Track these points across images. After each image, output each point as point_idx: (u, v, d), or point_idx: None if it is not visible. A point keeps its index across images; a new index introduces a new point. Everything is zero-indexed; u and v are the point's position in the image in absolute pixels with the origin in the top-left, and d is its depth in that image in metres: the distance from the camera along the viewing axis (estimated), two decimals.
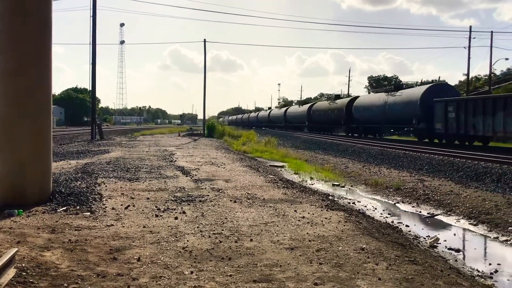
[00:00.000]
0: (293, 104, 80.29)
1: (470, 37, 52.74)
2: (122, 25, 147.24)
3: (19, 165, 7.75)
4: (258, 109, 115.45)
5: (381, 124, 37.05)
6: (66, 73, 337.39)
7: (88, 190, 9.41)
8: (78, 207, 7.75)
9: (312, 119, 54.14)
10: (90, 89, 34.28)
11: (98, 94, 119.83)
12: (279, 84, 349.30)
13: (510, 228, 8.87)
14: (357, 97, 44.59)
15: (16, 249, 4.67)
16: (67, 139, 32.85)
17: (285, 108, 74.80)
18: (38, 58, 7.97)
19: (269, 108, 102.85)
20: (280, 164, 21.73)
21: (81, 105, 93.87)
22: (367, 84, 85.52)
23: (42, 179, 8.13)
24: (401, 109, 32.35)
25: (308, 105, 58.93)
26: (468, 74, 52.09)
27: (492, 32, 53.04)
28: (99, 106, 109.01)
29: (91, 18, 31.45)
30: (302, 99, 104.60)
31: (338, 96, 54.26)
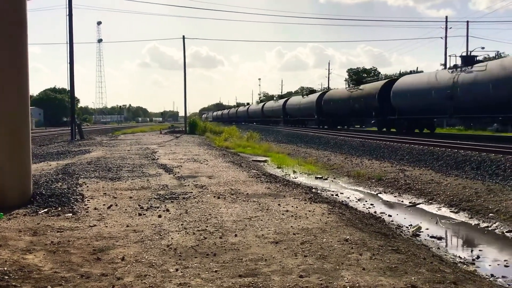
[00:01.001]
0: (274, 98, 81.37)
1: (446, 27, 53.52)
2: (99, 23, 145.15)
3: None
4: (239, 105, 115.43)
5: (347, 116, 40.38)
6: (43, 73, 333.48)
7: (69, 191, 9.30)
8: (59, 209, 7.65)
9: (287, 113, 57.28)
10: (69, 89, 33.89)
11: (77, 94, 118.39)
12: (259, 79, 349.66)
13: (490, 214, 9.03)
14: (326, 91, 47.36)
15: None
16: (46, 140, 32.43)
17: (262, 104, 77.25)
18: (14, 58, 7.83)
19: (248, 103, 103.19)
20: (263, 158, 21.76)
21: (60, 106, 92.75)
22: (347, 77, 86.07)
23: (22, 182, 8.02)
24: (362, 102, 35.02)
25: (283, 100, 62.39)
26: (445, 64, 52.63)
27: (468, 22, 53.95)
28: (79, 106, 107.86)
29: (67, 17, 31.06)
30: (282, 93, 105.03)
31: (313, 91, 56.55)
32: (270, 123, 66.00)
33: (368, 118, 37.37)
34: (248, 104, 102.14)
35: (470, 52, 27.41)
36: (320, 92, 49.60)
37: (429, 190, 11.59)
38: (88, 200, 8.48)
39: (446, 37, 53.60)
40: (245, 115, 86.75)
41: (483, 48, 68.75)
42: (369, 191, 12.85)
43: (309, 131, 37.12)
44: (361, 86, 37.56)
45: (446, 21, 54.04)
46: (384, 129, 33.48)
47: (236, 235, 5.98)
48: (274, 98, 79.70)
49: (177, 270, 4.63)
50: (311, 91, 57.29)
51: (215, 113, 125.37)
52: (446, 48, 54.21)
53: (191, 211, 7.56)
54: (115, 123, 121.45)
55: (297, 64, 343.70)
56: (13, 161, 7.78)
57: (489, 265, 6.40)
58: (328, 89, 58.39)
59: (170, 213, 7.37)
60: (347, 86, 42.29)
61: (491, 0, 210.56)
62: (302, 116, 52.85)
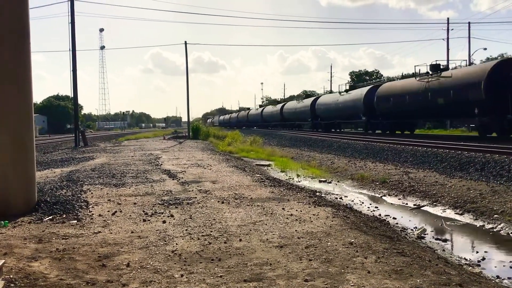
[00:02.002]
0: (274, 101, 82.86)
1: (448, 29, 53.50)
2: (101, 30, 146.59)
3: (1, 177, 7.66)
4: (241, 109, 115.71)
5: (337, 119, 43.11)
6: (47, 81, 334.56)
7: (74, 198, 9.33)
8: (64, 216, 7.68)
9: (284, 117, 60.63)
10: (72, 96, 33.99)
11: (80, 101, 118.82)
12: (262, 83, 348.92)
13: (495, 216, 9.01)
14: (319, 96, 50.70)
15: (3, 260, 4.62)
16: (50, 147, 32.51)
17: (261, 108, 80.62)
18: (17, 66, 7.88)
19: (248, 108, 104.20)
20: (267, 162, 21.77)
21: (63, 113, 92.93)
22: (349, 80, 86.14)
23: (27, 189, 8.05)
24: (351, 106, 38.07)
25: (281, 105, 66.20)
26: (447, 65, 52.54)
27: (469, 23, 53.99)
28: (82, 113, 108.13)
29: (70, 24, 31.20)
30: (285, 97, 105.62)
31: (308, 96, 60.46)
32: (269, 127, 69.32)
33: (356, 121, 40.81)
34: (248, 109, 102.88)
35: (473, 53, 28.64)
36: (314, 98, 52.60)
37: (433, 192, 11.57)
38: (92, 207, 8.50)
39: (448, 38, 53.61)
40: (245, 120, 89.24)
41: (485, 49, 68.42)
42: (373, 194, 12.83)
43: (312, 135, 37.13)
44: (350, 92, 40.35)
45: (448, 23, 54.07)
46: (370, 131, 36.73)
47: (240, 240, 5.98)
48: (272, 104, 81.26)
49: (182, 275, 4.64)
50: (307, 95, 60.70)
51: (221, 117, 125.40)
52: (448, 49, 54.24)
53: (195, 216, 7.57)
54: (119, 130, 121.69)
55: (299, 67, 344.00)
56: (17, 169, 7.82)
57: (495, 267, 6.37)
58: (334, 91, 60.29)
59: (174, 219, 7.38)
60: (338, 91, 44.51)
61: (492, 0, 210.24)
62: (298, 120, 55.78)
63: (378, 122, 34.43)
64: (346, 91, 41.50)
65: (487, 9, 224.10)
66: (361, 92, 37.21)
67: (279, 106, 66.72)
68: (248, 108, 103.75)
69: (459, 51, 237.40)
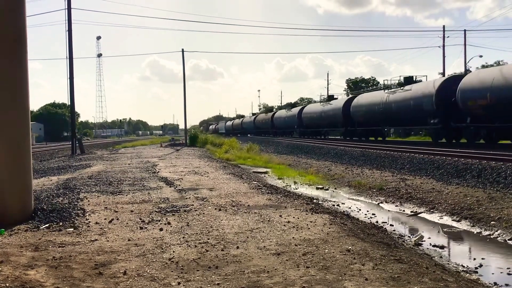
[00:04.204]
0: (274, 109, 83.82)
1: (444, 37, 53.80)
2: (98, 38, 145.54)
3: None
4: (237, 117, 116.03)
5: (321, 128, 47.39)
6: (44, 88, 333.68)
7: (70, 205, 9.30)
8: (61, 224, 7.65)
9: (275, 125, 64.05)
10: (69, 103, 33.97)
11: (77, 108, 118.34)
12: (259, 91, 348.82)
13: (492, 222, 9.01)
14: (304, 106, 54.45)
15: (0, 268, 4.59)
16: (47, 155, 32.45)
17: (254, 116, 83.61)
18: (14, 74, 7.87)
19: (243, 116, 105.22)
20: (264, 170, 21.76)
21: (60, 120, 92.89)
22: (346, 87, 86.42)
23: (23, 197, 8.01)
24: (331, 115, 42.98)
25: (272, 113, 71.01)
26: (443, 73, 52.86)
27: (465, 30, 54.21)
28: (79, 121, 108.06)
29: (67, 32, 31.22)
30: (282, 104, 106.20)
31: (293, 105, 65.62)
32: (261, 134, 72.98)
33: (336, 129, 45.19)
34: (242, 116, 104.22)
35: (468, 60, 31.10)
36: (300, 107, 56.69)
37: (430, 199, 11.58)
38: (89, 215, 8.47)
39: (444, 46, 53.91)
40: (239, 127, 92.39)
41: (481, 56, 68.78)
42: (370, 201, 12.83)
43: (310, 142, 37.21)
44: (331, 102, 45.86)
45: (444, 30, 54.37)
46: (348, 138, 40.96)
47: (238, 247, 5.97)
48: (274, 109, 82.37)
49: (179, 283, 4.62)
50: (293, 105, 65.30)
51: (220, 125, 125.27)
52: (444, 57, 54.57)
53: (192, 223, 7.55)
54: (116, 137, 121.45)
55: (296, 74, 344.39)
56: (14, 177, 7.79)
57: (492, 273, 6.37)
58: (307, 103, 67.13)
59: (171, 226, 7.36)
60: (320, 101, 49.31)
61: (488, 8, 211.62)
62: (287, 128, 59.97)
63: (354, 129, 38.86)
64: (327, 101, 47.57)
65: (483, 16, 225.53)
66: (340, 102, 42.14)
67: (269, 114, 70.72)
68: (243, 116, 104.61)
69: (456, 58, 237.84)
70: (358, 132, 38.58)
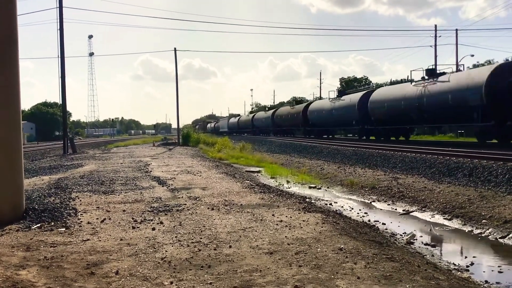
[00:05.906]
0: (266, 109, 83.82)
1: (436, 36, 54.00)
2: (90, 37, 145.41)
3: None
4: (231, 116, 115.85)
5: (330, 126, 44.22)
6: (35, 87, 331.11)
7: (62, 205, 9.25)
8: (52, 223, 7.61)
9: (276, 123, 63.20)
10: (60, 102, 33.78)
11: (69, 108, 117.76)
12: (251, 90, 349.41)
13: (483, 221, 9.08)
14: (311, 102, 52.07)
15: None
16: (39, 154, 32.25)
17: (252, 115, 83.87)
18: (5, 74, 7.82)
19: (238, 114, 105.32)
20: (257, 169, 21.77)
21: (51, 120, 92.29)
22: (339, 86, 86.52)
23: (14, 197, 7.96)
24: (344, 112, 37.75)
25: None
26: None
27: (456, 30, 54.51)
28: (71, 120, 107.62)
29: (58, 31, 31.03)
30: (274, 103, 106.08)
31: (299, 102, 63.05)
32: (261, 133, 72.04)
33: (350, 128, 40.70)
34: (239, 115, 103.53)
35: (460, 59, 28.83)
36: (305, 104, 52.32)
37: (422, 198, 11.63)
38: (81, 214, 8.43)
39: (435, 45, 54.09)
40: (225, 127, 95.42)
41: (472, 55, 69.10)
42: (362, 200, 12.87)
43: (302, 141, 37.22)
44: (342, 98, 39.81)
45: (436, 30, 54.59)
46: (364, 137, 36.29)
47: (230, 247, 5.97)
48: (267, 109, 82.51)
49: (171, 283, 4.62)
50: (298, 101, 62.99)
51: (217, 124, 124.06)
52: (436, 56, 54.73)
53: (185, 223, 7.54)
54: (108, 136, 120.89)
55: (289, 74, 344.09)
56: (5, 176, 7.74)
57: (483, 271, 6.42)
58: (323, 98, 61.76)
59: (164, 226, 7.34)
60: (329, 97, 44.13)
61: (480, 8, 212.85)
62: (290, 126, 55.81)
63: (372, 128, 33.96)
64: (338, 97, 41.16)
65: (474, 16, 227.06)
66: (354, 98, 36.68)
67: (270, 112, 66.74)
68: (239, 115, 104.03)
69: (447, 58, 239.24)
70: (377, 131, 33.89)
